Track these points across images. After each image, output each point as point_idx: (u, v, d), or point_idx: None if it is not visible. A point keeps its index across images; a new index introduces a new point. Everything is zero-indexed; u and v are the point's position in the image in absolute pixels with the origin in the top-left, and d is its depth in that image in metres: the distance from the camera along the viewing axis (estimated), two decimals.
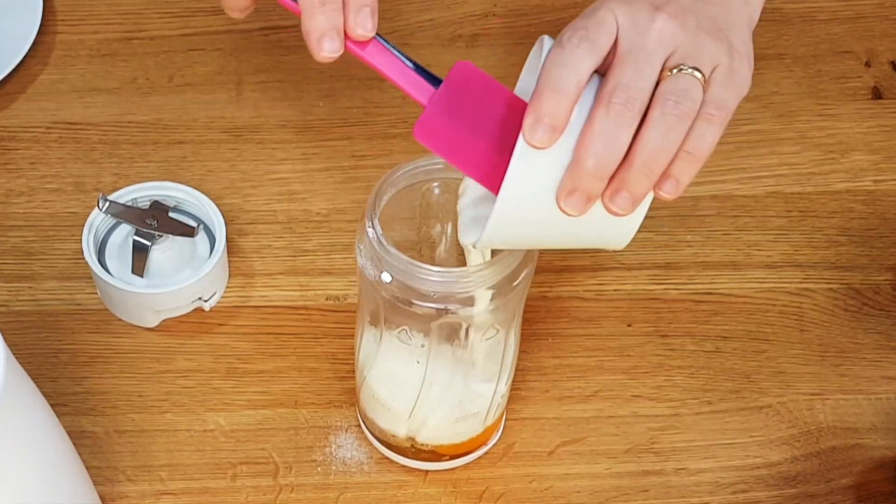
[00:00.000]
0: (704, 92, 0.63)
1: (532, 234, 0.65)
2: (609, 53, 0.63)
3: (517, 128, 0.62)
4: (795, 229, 0.92)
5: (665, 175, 0.62)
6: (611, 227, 0.64)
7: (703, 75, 0.63)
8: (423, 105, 0.66)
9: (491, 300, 0.69)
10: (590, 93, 0.63)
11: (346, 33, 0.65)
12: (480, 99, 0.65)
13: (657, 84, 0.63)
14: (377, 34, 0.66)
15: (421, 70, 0.66)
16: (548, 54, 0.63)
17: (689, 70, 0.63)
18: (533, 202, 0.62)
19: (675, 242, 0.91)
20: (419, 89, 0.66)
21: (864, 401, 0.85)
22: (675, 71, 0.63)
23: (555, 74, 0.61)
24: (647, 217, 0.91)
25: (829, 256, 0.91)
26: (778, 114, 0.97)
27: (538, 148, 0.61)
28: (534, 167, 0.62)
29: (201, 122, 0.96)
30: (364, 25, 0.65)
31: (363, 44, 0.66)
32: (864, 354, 0.87)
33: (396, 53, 0.66)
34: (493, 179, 0.64)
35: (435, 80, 0.66)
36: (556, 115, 0.61)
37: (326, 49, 0.65)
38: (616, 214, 0.62)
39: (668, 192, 0.63)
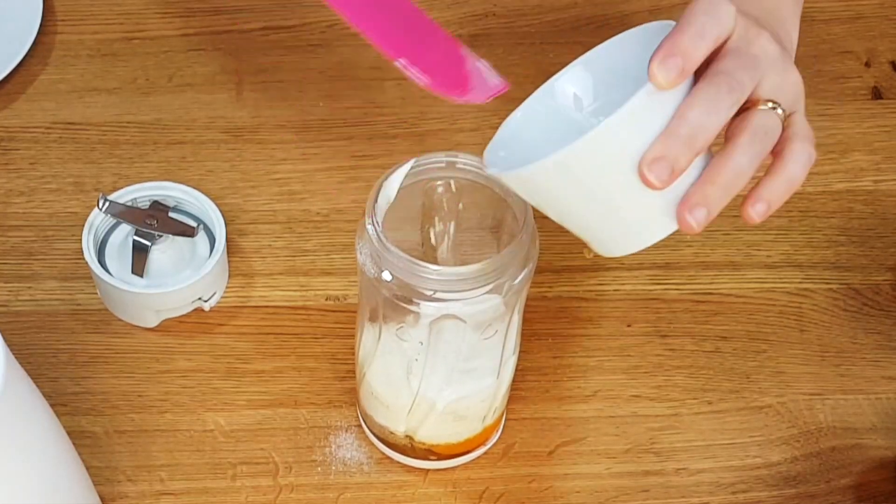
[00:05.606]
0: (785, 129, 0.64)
1: (576, 194, 0.63)
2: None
3: (414, 26, 0.66)
4: (795, 229, 0.92)
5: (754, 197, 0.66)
6: (642, 224, 0.65)
7: (784, 113, 0.64)
8: None
9: (490, 300, 0.69)
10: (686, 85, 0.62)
11: None
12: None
13: (746, 108, 0.63)
14: None
15: None
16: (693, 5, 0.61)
17: (774, 108, 0.63)
18: (615, 155, 0.61)
19: (675, 242, 0.91)
20: None
21: (864, 401, 0.85)
22: (768, 105, 0.63)
23: (702, 20, 0.60)
24: None
25: (828, 256, 0.91)
26: None
27: (664, 86, 0.59)
28: (640, 121, 0.60)
29: (201, 122, 0.96)
30: None
31: None
32: (864, 354, 0.87)
33: None
34: (395, 48, 0.66)
35: None
36: (689, 56, 0.59)
37: None
38: (689, 228, 0.63)
39: (757, 215, 0.66)
